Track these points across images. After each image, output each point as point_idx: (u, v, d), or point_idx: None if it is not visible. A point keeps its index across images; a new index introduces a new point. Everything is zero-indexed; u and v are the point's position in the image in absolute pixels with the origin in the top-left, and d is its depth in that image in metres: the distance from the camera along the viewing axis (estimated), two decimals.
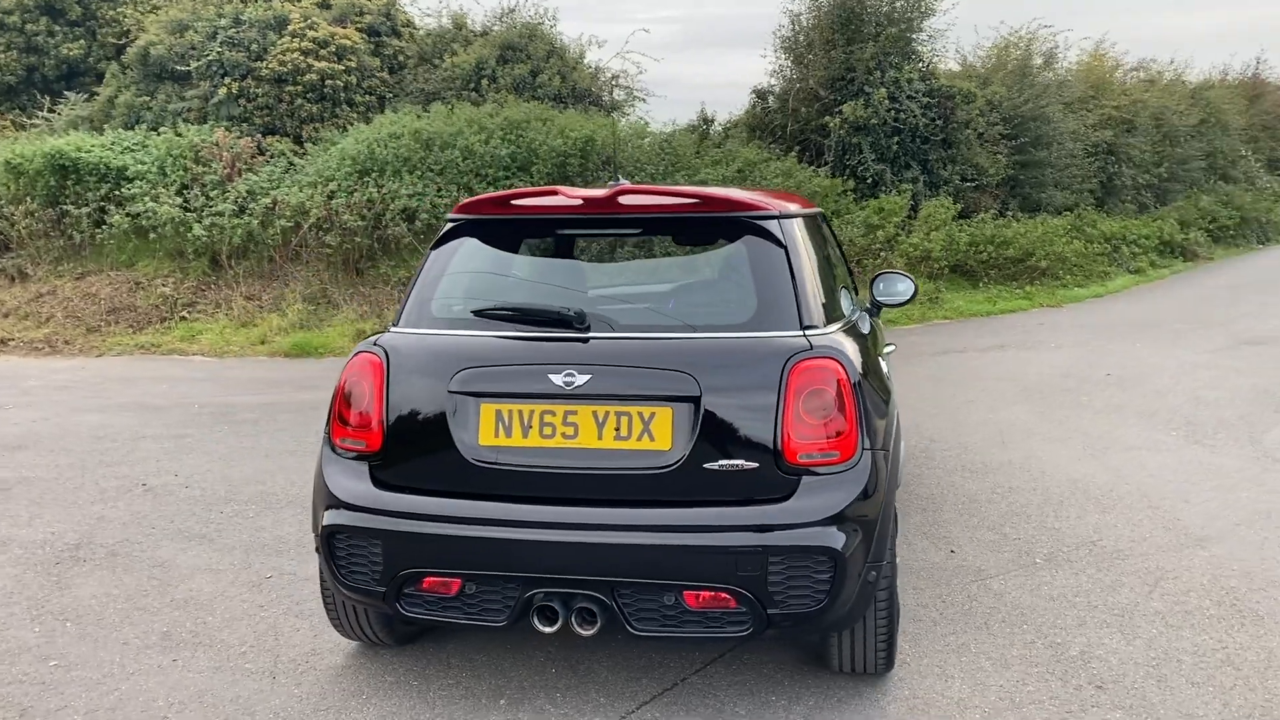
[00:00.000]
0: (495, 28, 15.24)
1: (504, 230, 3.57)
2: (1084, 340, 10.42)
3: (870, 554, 3.01)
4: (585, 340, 3.15)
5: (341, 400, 3.33)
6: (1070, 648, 3.62)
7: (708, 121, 15.46)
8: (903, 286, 4.70)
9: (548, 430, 3.09)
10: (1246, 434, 6.52)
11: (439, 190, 11.75)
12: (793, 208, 3.56)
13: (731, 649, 3.61)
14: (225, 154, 12.52)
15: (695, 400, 3.01)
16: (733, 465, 2.98)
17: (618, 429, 3.04)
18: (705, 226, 3.42)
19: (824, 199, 12.71)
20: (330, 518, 3.23)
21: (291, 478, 5.89)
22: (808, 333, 3.14)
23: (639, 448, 3.02)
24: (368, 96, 14.35)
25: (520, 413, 3.11)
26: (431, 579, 3.12)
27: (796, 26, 15.14)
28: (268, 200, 11.89)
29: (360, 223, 11.47)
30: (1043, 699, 3.28)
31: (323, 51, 14.00)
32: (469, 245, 3.51)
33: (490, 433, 3.12)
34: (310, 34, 14.03)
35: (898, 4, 14.36)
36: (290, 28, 14.12)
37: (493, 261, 3.53)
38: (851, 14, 14.26)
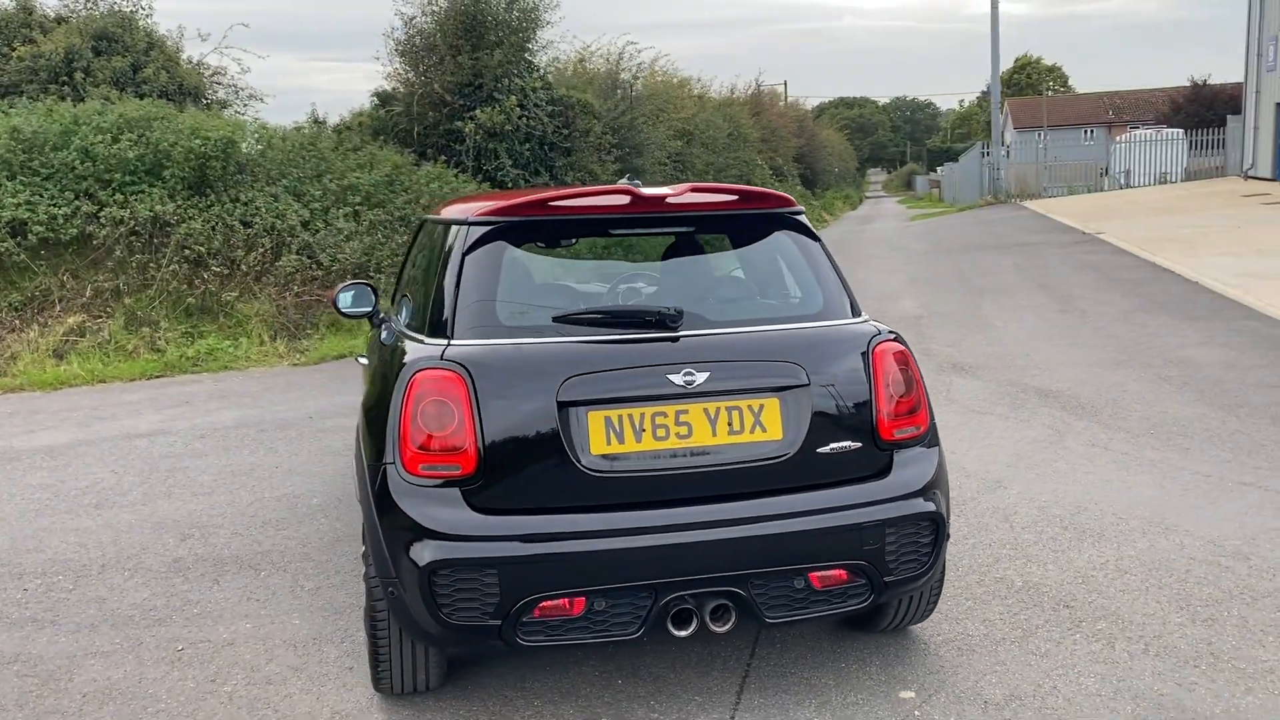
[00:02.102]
0: (76, 14, 13.32)
1: (548, 232, 3.41)
2: None
3: (948, 513, 3.35)
4: (679, 338, 3.15)
5: (410, 424, 3.01)
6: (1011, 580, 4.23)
7: (319, 123, 14.80)
8: None
9: (661, 432, 3.05)
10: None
11: (52, 199, 10.12)
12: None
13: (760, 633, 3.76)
14: None
15: (804, 389, 3.15)
16: (841, 447, 3.17)
17: (730, 424, 3.09)
18: (749, 222, 3.53)
19: None
20: (430, 553, 2.92)
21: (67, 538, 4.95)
22: (866, 319, 3.41)
23: (752, 440, 3.10)
24: None
25: (631, 417, 3.04)
26: (548, 603, 2.95)
27: (412, 30, 14.96)
28: None
29: None
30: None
31: None
32: (512, 249, 3.31)
33: (601, 441, 3.02)
34: None
35: (515, 13, 14.74)
36: None
37: (543, 264, 3.37)
38: (474, 20, 14.40)
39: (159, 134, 10.79)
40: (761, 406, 3.12)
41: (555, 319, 3.20)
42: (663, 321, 3.16)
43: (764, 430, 3.11)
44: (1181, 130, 35.57)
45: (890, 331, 3.37)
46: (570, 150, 15.16)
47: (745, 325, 3.28)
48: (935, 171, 66.09)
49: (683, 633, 3.03)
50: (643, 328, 3.16)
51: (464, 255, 3.28)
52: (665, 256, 3.65)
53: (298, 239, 10.88)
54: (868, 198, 68.51)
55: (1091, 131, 61.69)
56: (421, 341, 3.24)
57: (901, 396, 3.27)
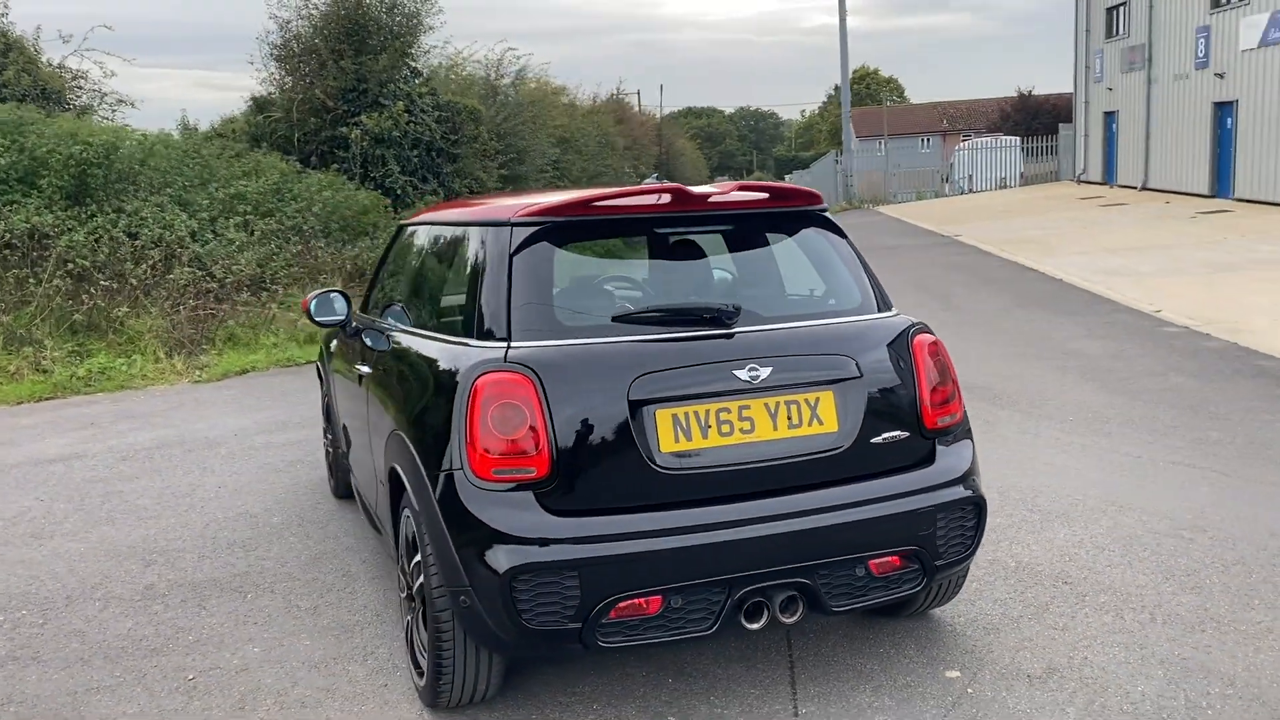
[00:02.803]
0: None
1: (592, 232, 3.39)
2: None
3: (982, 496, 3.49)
4: (735, 335, 3.18)
5: (479, 428, 2.95)
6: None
7: (189, 129, 14.20)
8: None
9: (725, 428, 3.09)
10: None
11: None
12: None
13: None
14: None
15: (857, 381, 3.23)
16: (892, 437, 3.27)
17: (789, 417, 3.15)
18: (782, 220, 3.59)
19: (368, 215, 12.46)
20: (510, 558, 2.87)
21: None
22: (898, 312, 3.53)
23: (810, 433, 3.16)
24: None
25: (697, 414, 3.07)
26: (626, 603, 2.94)
27: (288, 34, 14.49)
28: None
29: None
30: None
31: None
32: (559, 249, 3.28)
33: (670, 438, 3.03)
34: None
35: (397, 17, 14.47)
36: None
37: (592, 264, 3.34)
38: (355, 24, 14.06)
39: (33, 140, 10.13)
40: (817, 400, 3.19)
41: (615, 318, 3.20)
42: (719, 319, 3.20)
43: (820, 423, 3.18)
44: (1018, 138, 37.63)
45: (921, 323, 3.49)
46: (456, 157, 14.97)
47: (794, 320, 3.34)
48: (785, 179, 67.96)
49: (754, 625, 3.07)
50: (700, 325, 3.19)
51: (511, 257, 3.23)
52: (702, 256, 3.68)
53: (188, 250, 10.39)
54: None
55: (928, 140, 64.50)
56: (468, 345, 3.17)
57: (939, 385, 3.39)
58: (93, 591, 4.46)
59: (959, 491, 3.31)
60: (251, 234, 11.01)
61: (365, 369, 4.16)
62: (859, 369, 3.24)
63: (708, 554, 2.98)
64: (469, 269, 3.44)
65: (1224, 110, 23.36)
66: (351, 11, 13.97)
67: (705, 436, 3.06)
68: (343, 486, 5.49)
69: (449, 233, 3.86)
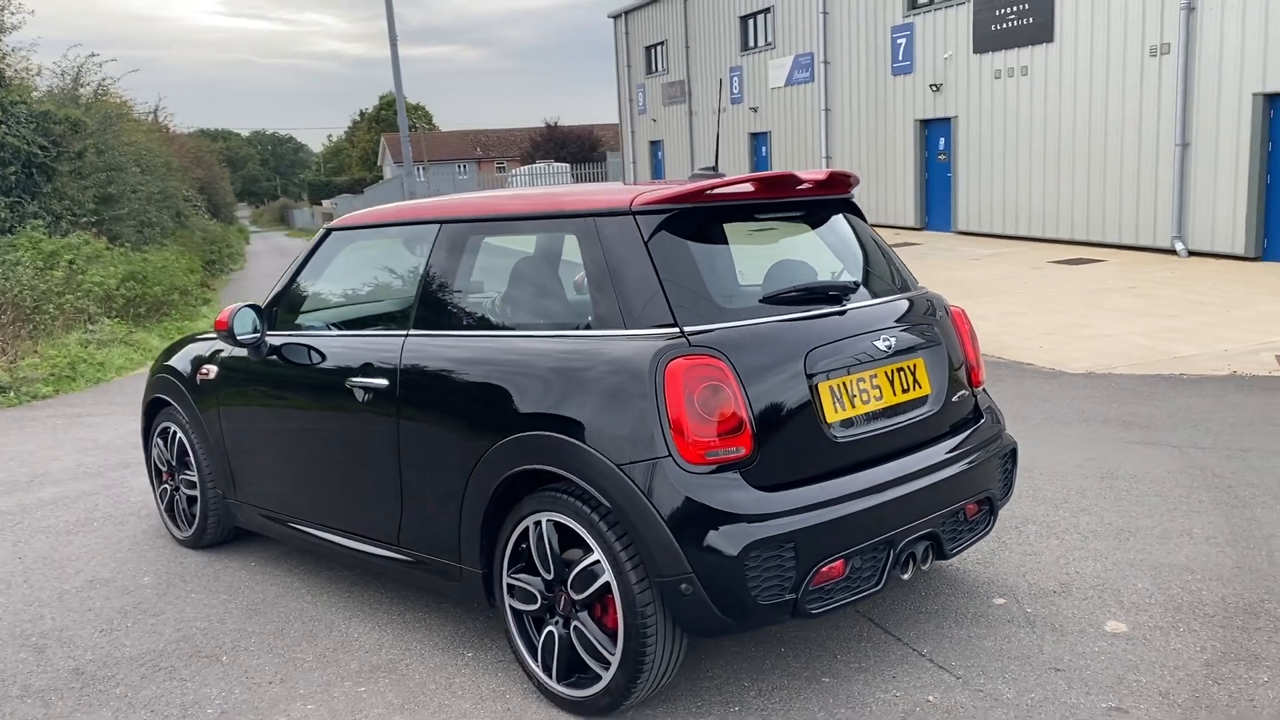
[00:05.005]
0: None
1: (711, 218, 3.40)
2: None
3: None
4: (870, 307, 3.49)
5: (686, 412, 2.95)
6: None
7: None
8: None
9: (864, 397, 3.34)
10: None
11: None
12: None
13: None
14: None
15: (939, 347, 3.62)
16: (961, 396, 3.72)
17: (901, 384, 3.47)
18: (838, 206, 3.82)
19: None
20: (741, 537, 2.91)
21: None
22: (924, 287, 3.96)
23: (915, 395, 3.51)
24: None
25: (846, 384, 3.29)
26: (826, 568, 3.08)
27: None
28: None
29: None
30: None
31: None
32: (686, 236, 3.28)
33: (832, 409, 3.23)
34: None
35: None
36: None
37: (711, 250, 3.35)
38: None
39: None
40: (915, 365, 3.53)
41: (763, 300, 3.29)
42: (843, 295, 3.42)
43: (920, 386, 3.53)
44: (568, 164, 40.07)
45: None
46: (54, 174, 13.02)
47: (888, 295, 3.63)
48: (323, 205, 66.07)
49: (905, 576, 3.34)
50: (828, 303, 3.38)
51: (646, 244, 3.20)
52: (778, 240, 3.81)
53: None
54: (252, 232, 66.22)
55: (464, 166, 66.18)
56: (625, 335, 3.10)
57: (975, 350, 3.87)
58: (6, 688, 3.55)
59: (1009, 440, 3.83)
60: None
61: (371, 381, 3.73)
62: (939, 335, 3.63)
63: (879, 514, 3.20)
64: (578, 261, 3.33)
65: (759, 139, 26.83)
66: None
67: (854, 405, 3.28)
68: (220, 532, 4.80)
69: (501, 228, 3.68)
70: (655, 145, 33.36)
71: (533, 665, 3.34)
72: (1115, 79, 15.78)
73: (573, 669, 3.25)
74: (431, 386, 3.58)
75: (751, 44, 26.73)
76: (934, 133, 20.17)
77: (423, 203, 4.13)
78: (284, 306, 4.40)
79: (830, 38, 22.89)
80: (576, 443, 3.09)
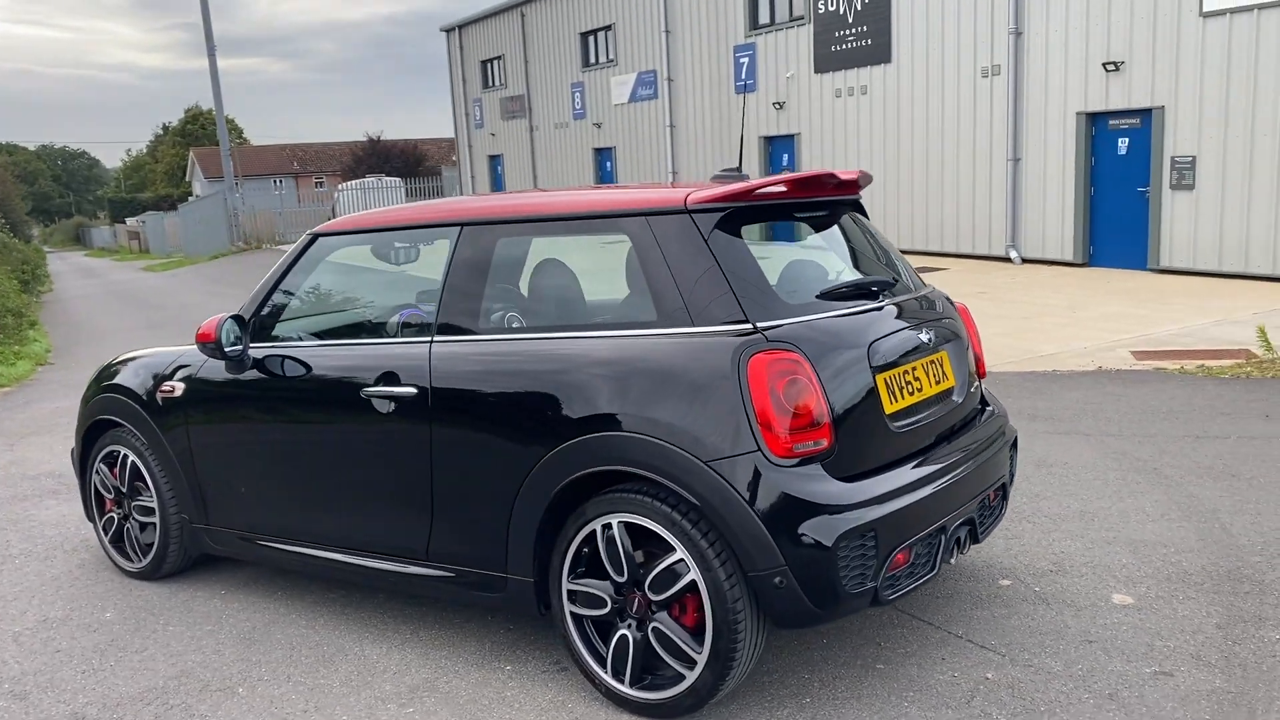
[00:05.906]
0: None
1: (757, 217, 3.42)
2: None
3: None
4: (912, 300, 3.63)
5: (770, 407, 2.98)
6: None
7: None
8: None
9: (910, 388, 3.45)
10: None
11: None
12: None
13: None
14: None
15: (960, 340, 3.78)
16: (975, 386, 3.88)
17: (933, 376, 3.60)
18: (850, 206, 3.90)
19: None
20: (835, 528, 2.97)
21: None
22: None
23: (944, 387, 3.66)
24: None
25: (896, 376, 3.39)
26: (899, 556, 3.17)
27: None
28: None
29: None
30: None
31: None
32: (736, 234, 3.30)
33: (888, 401, 3.32)
34: None
35: None
36: None
37: (763, 247, 3.39)
38: None
39: None
40: (942, 358, 3.66)
41: (820, 295, 3.34)
42: (884, 290, 3.53)
43: (947, 378, 3.66)
44: (400, 179, 39.17)
45: None
46: None
47: (903, 293, 3.74)
48: (127, 223, 62.24)
49: (952, 561, 3.45)
50: (870, 298, 3.47)
51: (706, 241, 3.21)
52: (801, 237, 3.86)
53: None
54: (47, 253, 61.78)
55: (281, 181, 63.71)
56: (695, 332, 3.10)
57: (977, 345, 4.06)
58: None
59: (1012, 428, 4.02)
60: None
61: (396, 391, 3.56)
62: (959, 331, 3.78)
63: (936, 501, 3.31)
64: (630, 260, 3.30)
65: (604, 154, 27.04)
66: None
67: (903, 397, 3.38)
68: (181, 561, 4.48)
69: (532, 228, 3.60)
70: (495, 160, 33.09)
71: (599, 671, 3.27)
72: (950, 98, 16.77)
73: (645, 672, 3.21)
74: (472, 394, 3.46)
75: (593, 60, 26.93)
76: (778, 149, 20.86)
77: (430, 205, 3.99)
78: (267, 317, 4.15)
79: (673, 55, 23.36)
80: (657, 440, 3.05)
